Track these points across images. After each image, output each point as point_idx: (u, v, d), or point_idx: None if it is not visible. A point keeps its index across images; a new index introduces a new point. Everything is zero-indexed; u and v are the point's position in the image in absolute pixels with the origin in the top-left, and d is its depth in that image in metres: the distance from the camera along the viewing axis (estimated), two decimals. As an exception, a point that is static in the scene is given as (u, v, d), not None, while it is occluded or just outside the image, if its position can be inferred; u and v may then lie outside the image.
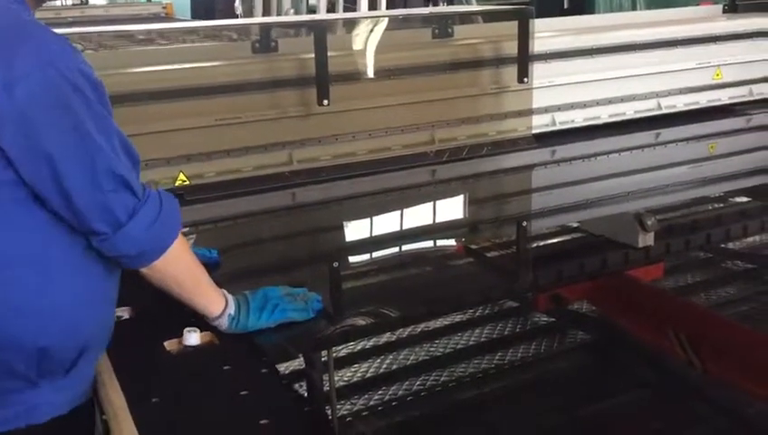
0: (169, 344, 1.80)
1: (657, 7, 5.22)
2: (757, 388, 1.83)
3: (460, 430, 1.68)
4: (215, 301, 1.79)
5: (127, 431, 1.47)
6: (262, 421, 1.54)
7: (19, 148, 1.42)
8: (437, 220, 3.06)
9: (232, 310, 1.80)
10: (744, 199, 3.20)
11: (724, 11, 4.79)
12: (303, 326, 1.87)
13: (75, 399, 1.60)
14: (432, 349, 1.92)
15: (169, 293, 1.71)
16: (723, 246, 2.67)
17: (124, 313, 1.87)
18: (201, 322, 1.82)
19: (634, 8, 5.48)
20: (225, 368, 1.73)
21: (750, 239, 2.71)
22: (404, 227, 2.98)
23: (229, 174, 3.24)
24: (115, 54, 3.81)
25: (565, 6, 5.14)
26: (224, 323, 1.80)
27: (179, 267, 1.68)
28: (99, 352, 1.66)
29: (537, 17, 3.68)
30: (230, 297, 1.82)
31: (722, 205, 3.15)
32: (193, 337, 1.78)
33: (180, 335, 1.79)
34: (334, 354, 1.88)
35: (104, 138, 1.49)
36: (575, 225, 2.87)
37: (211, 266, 2.27)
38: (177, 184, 3.14)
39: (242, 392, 1.64)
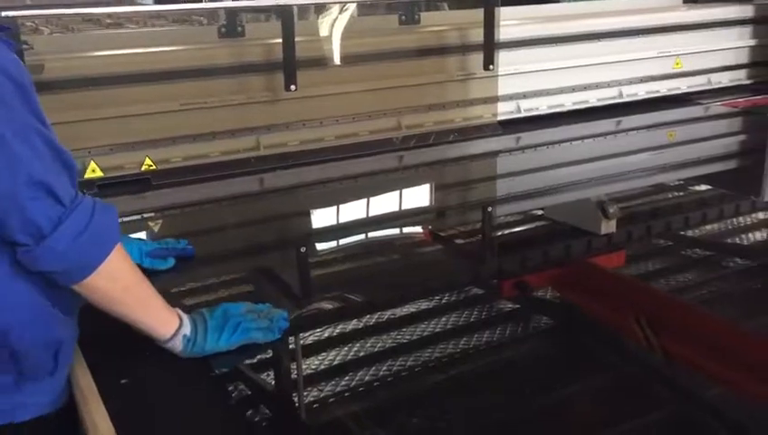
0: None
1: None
2: (716, 370, 1.85)
3: (426, 413, 1.67)
4: (165, 321, 1.60)
5: (96, 411, 1.44)
6: (231, 402, 1.52)
7: None
8: (403, 207, 3.05)
9: (187, 330, 1.62)
10: (702, 187, 3.23)
11: (685, 1, 4.82)
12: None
13: (58, 397, 1.55)
14: (398, 336, 1.90)
15: (111, 314, 1.55)
16: (682, 233, 2.69)
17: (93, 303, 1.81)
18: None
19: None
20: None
21: (708, 227, 2.74)
22: (370, 214, 2.97)
23: (196, 159, 3.21)
24: (81, 38, 3.75)
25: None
26: (178, 346, 1.61)
27: (117, 285, 1.51)
28: (71, 350, 1.59)
29: (502, 5, 3.67)
30: (185, 317, 1.64)
31: (681, 193, 3.18)
32: None
33: None
34: (301, 342, 1.86)
35: (23, 142, 1.35)
36: (539, 212, 2.88)
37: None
38: (143, 169, 3.11)
39: (211, 374, 1.62)
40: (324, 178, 3.31)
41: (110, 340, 1.69)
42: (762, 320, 2.10)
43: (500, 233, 2.83)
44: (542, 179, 3.38)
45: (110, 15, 4.18)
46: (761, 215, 2.87)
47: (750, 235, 2.65)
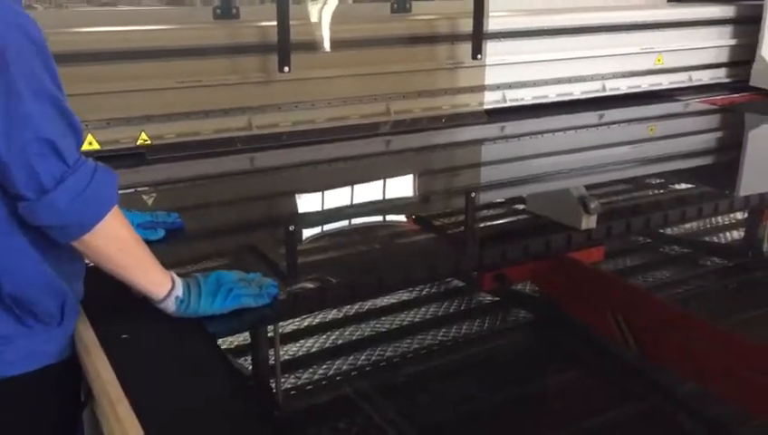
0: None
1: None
2: (690, 367, 1.80)
3: (402, 403, 1.60)
4: (159, 282, 1.59)
5: (99, 361, 1.43)
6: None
7: None
8: (388, 191, 2.97)
9: (179, 292, 1.61)
10: (680, 182, 3.17)
11: (669, -1, 4.75)
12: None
13: (65, 349, 1.53)
14: (378, 326, 1.82)
15: (108, 272, 1.54)
16: (660, 230, 2.61)
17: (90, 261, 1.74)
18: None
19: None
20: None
21: (687, 225, 2.67)
22: (355, 198, 2.88)
23: (189, 136, 3.14)
24: (80, 14, 3.64)
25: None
26: (170, 306, 1.60)
27: (113, 245, 1.50)
28: (77, 304, 1.57)
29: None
30: (178, 279, 1.62)
31: (659, 189, 3.11)
32: None
33: None
34: (280, 330, 1.77)
35: (35, 100, 1.34)
36: (521, 206, 2.79)
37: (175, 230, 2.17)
38: (138, 143, 3.05)
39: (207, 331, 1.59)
40: (313, 159, 3.24)
41: (111, 300, 1.64)
42: (736, 319, 2.04)
43: (481, 225, 2.74)
44: (524, 168, 3.31)
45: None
46: (738, 215, 2.80)
47: (726, 233, 2.59)
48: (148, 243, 1.92)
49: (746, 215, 2.79)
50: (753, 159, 3.41)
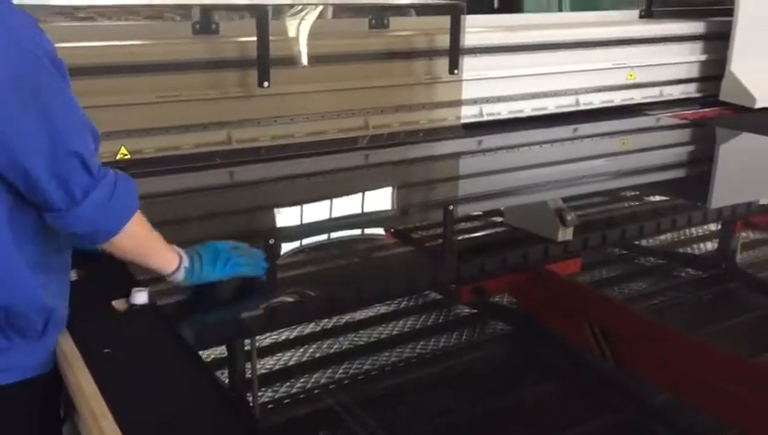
0: (117, 303, 1.67)
1: (581, 9, 5.18)
2: (665, 378, 1.78)
3: (381, 415, 1.56)
4: (170, 259, 1.70)
5: (81, 373, 1.41)
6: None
7: None
8: (366, 205, 2.94)
9: (187, 263, 1.71)
10: (653, 194, 3.16)
11: (641, 16, 4.76)
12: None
13: (45, 363, 1.52)
14: (356, 339, 1.79)
15: (127, 261, 1.66)
16: (636, 242, 2.60)
17: (71, 274, 1.70)
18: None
19: (560, 10, 5.42)
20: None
21: (662, 236, 2.65)
22: (333, 211, 2.84)
23: (169, 150, 3.08)
24: (60, 29, 3.59)
25: (495, 6, 5.06)
26: (180, 277, 1.71)
27: (135, 242, 1.59)
28: (61, 320, 1.55)
29: (468, 14, 3.57)
30: (183, 252, 1.73)
31: (633, 201, 3.10)
32: (140, 296, 1.66)
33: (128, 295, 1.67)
34: (258, 344, 1.73)
35: (66, 116, 1.39)
36: (499, 219, 2.77)
37: None
38: (118, 157, 2.99)
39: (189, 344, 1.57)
40: (292, 173, 3.20)
41: (92, 315, 1.63)
42: (710, 329, 2.03)
43: (459, 238, 2.71)
44: (501, 182, 3.29)
45: (87, 9, 4.02)
46: (711, 226, 2.79)
47: (700, 244, 2.58)
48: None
49: (719, 227, 2.79)
50: (724, 173, 3.42)
